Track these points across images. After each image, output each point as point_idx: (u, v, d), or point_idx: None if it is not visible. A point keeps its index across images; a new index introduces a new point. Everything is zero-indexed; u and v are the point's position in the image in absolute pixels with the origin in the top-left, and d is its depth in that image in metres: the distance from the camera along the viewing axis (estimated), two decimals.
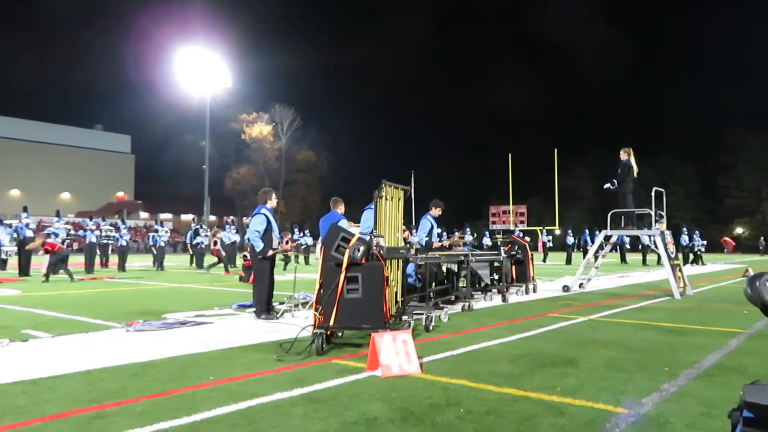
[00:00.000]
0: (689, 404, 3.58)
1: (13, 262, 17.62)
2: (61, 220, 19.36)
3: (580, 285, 12.00)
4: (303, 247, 26.78)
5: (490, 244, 25.61)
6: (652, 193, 11.41)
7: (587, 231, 27.86)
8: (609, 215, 11.80)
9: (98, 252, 19.86)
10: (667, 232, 11.66)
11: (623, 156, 11.33)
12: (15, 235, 16.91)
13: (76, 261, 20.14)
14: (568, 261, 26.13)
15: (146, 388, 3.92)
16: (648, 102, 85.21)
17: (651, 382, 4.12)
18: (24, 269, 16.21)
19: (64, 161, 63.19)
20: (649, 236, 12.86)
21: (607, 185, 11.50)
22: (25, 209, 18.03)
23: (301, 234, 28.40)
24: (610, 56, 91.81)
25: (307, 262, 25.98)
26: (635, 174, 11.38)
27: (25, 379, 4.18)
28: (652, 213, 11.37)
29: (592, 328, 6.76)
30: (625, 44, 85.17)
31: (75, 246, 31.01)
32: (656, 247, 11.40)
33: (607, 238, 12.40)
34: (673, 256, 11.39)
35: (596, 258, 13.21)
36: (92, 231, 18.90)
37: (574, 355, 5.05)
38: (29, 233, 17.00)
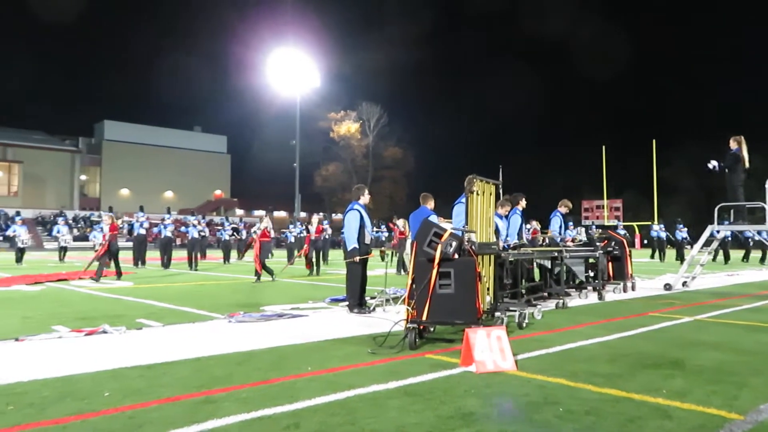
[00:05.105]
0: None
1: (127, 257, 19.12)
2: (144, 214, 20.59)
3: (684, 283, 11.33)
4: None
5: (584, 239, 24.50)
6: (766, 185, 10.55)
7: (679, 226, 25.65)
8: (716, 209, 11.05)
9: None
10: None
11: (733, 145, 10.54)
12: (128, 230, 18.96)
13: (180, 255, 21.41)
14: (662, 258, 24.60)
15: (250, 376, 4.12)
16: (758, 87, 78.76)
17: None
18: (137, 261, 18.26)
19: (167, 162, 67.22)
20: (759, 232, 11.93)
21: (714, 163, 10.67)
22: (141, 208, 19.84)
23: (379, 229, 28.28)
24: (711, 40, 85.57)
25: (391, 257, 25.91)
26: (746, 165, 10.57)
27: (141, 364, 4.51)
28: (766, 207, 10.53)
29: (698, 329, 6.37)
30: (729, 26, 79.02)
31: (178, 241, 32.94)
32: None
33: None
34: None
35: (701, 255, 12.43)
36: (194, 226, 20.02)
37: (680, 357, 4.78)
38: (142, 231, 18.91)
